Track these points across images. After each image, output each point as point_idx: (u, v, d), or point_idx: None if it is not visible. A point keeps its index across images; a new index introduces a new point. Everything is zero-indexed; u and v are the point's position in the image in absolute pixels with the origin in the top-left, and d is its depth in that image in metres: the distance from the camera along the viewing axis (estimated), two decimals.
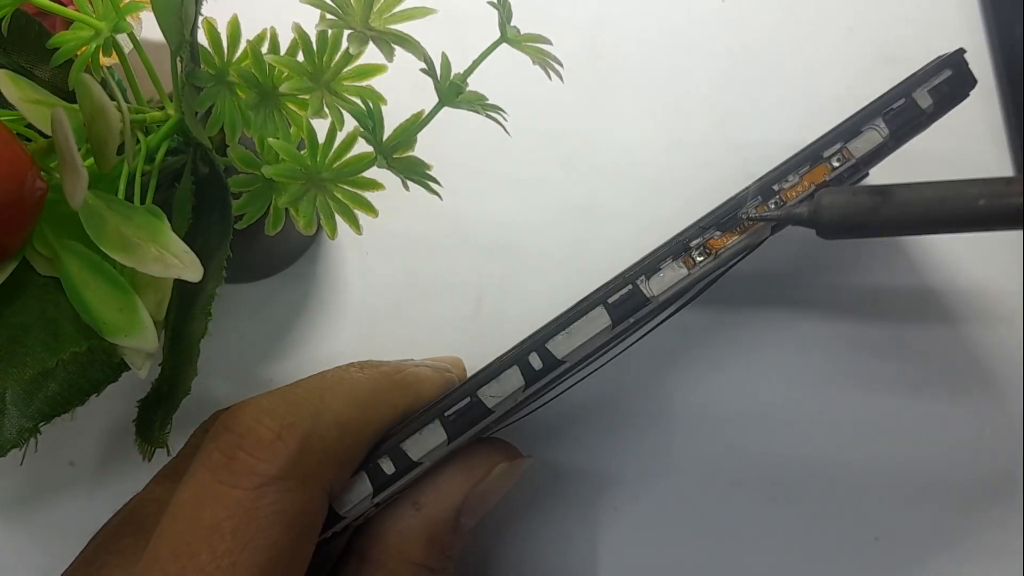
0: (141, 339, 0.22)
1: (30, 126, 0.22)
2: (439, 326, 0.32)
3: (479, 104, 0.23)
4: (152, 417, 0.25)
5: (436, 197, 0.23)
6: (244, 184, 0.23)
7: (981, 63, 0.33)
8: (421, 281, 0.33)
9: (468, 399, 0.23)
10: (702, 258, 0.22)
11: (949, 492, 0.30)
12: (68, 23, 0.23)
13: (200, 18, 0.23)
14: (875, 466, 0.31)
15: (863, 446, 0.31)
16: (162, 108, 0.25)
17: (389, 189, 0.23)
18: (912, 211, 0.20)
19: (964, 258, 0.32)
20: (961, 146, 0.32)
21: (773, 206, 0.22)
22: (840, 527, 0.30)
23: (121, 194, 0.22)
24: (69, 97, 0.22)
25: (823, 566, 0.30)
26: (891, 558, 0.30)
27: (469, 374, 0.30)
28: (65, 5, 0.23)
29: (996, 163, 0.32)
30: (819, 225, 0.22)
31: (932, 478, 0.30)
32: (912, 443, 0.31)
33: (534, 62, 0.23)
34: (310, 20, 0.22)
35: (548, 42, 0.23)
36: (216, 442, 0.21)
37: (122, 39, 0.24)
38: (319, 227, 0.23)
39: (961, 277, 0.31)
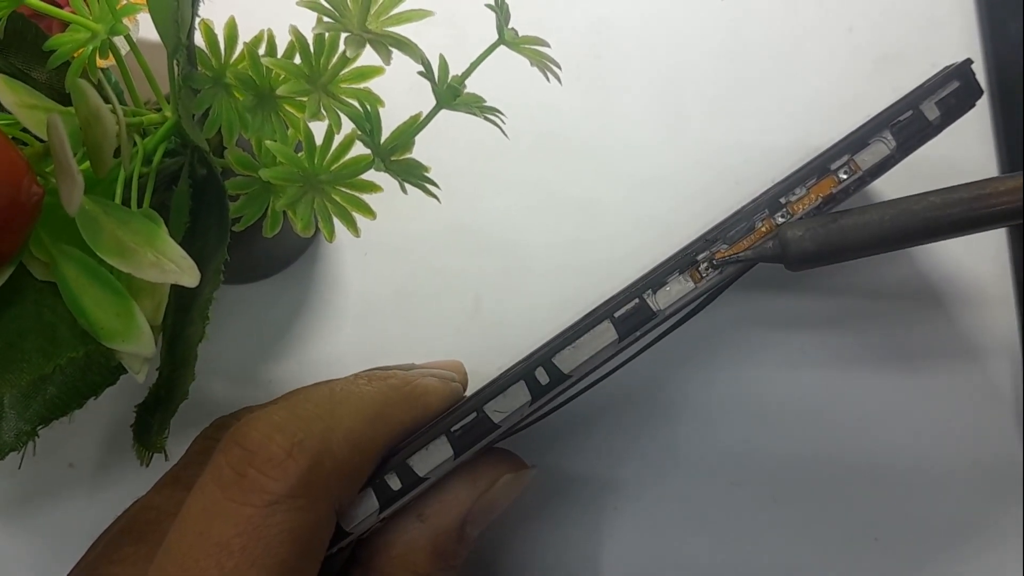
0: (138, 344, 0.22)
1: (26, 130, 0.22)
2: (438, 326, 0.32)
3: (477, 106, 0.23)
4: (150, 422, 0.25)
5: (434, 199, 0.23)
6: (241, 187, 0.23)
7: (977, 63, 0.32)
8: (420, 281, 0.33)
9: (475, 414, 0.23)
10: (709, 271, 0.22)
11: (949, 491, 0.30)
12: (64, 25, 0.23)
13: (197, 20, 0.23)
14: (875, 466, 0.31)
15: (863, 446, 0.31)
16: (159, 110, 0.24)
17: (388, 190, 0.23)
18: (871, 231, 0.21)
19: (964, 256, 0.31)
20: (957, 145, 0.32)
21: (780, 219, 0.22)
22: (840, 527, 0.30)
23: (118, 198, 0.22)
24: (66, 99, 0.22)
25: (823, 566, 0.30)
26: (891, 558, 0.30)
27: (468, 375, 0.30)
28: (61, 7, 0.23)
29: (988, 162, 0.32)
30: (787, 259, 0.22)
31: (932, 477, 0.30)
32: (912, 443, 0.31)
33: (532, 64, 0.23)
34: (307, 22, 0.22)
35: (546, 44, 0.23)
36: (226, 456, 0.21)
37: (119, 41, 0.23)
38: (317, 228, 0.23)
39: (964, 274, 0.31)
